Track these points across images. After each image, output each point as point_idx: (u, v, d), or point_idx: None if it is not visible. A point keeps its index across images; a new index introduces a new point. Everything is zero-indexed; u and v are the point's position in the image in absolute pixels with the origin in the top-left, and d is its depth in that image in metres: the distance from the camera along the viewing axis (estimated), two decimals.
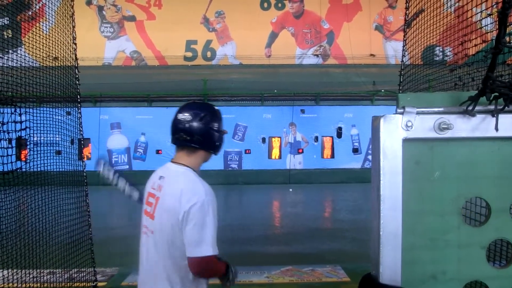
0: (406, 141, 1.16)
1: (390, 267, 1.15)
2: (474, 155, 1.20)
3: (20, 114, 2.98)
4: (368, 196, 1.22)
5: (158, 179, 1.83)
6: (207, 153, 1.85)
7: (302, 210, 10.71)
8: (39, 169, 3.55)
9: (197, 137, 1.77)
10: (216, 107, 1.92)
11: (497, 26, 1.03)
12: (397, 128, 1.15)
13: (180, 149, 1.83)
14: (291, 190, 12.33)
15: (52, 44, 3.82)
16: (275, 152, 15.71)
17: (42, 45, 3.67)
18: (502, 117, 1.14)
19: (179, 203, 1.65)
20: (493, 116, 1.14)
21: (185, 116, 1.78)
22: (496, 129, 1.14)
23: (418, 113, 1.15)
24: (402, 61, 4.12)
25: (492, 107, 1.13)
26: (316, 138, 15.76)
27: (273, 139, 15.77)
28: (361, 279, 1.25)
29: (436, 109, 1.15)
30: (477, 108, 1.13)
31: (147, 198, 1.87)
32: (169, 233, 1.69)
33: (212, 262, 1.67)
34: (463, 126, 1.16)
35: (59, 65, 3.99)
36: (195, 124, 1.77)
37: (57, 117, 3.87)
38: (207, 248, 1.62)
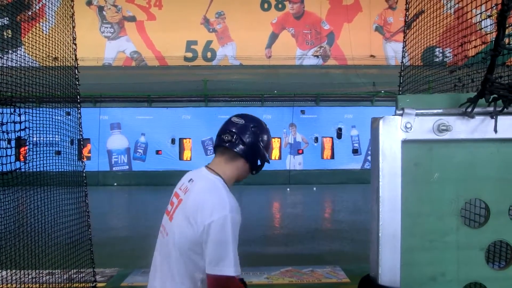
0: (405, 142, 1.16)
1: (389, 268, 1.15)
2: (473, 156, 1.19)
3: (19, 115, 2.98)
4: (368, 197, 1.22)
5: (188, 181, 1.74)
6: (246, 166, 1.77)
7: (301, 211, 10.71)
8: (38, 170, 3.54)
9: (243, 143, 1.71)
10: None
11: (496, 28, 1.03)
12: (396, 130, 1.15)
13: (219, 154, 1.76)
14: (288, 190, 12.34)
15: (52, 44, 3.82)
16: (275, 153, 15.72)
17: (42, 46, 3.67)
18: (501, 119, 1.14)
19: (201, 214, 1.57)
20: (492, 117, 1.14)
21: (240, 120, 1.76)
22: (495, 130, 1.14)
23: (417, 114, 1.15)
24: (402, 62, 4.12)
25: (491, 108, 1.13)
26: (316, 139, 15.76)
27: (273, 139, 15.78)
28: (360, 280, 1.25)
29: (435, 111, 1.15)
30: (476, 109, 1.13)
31: (172, 197, 1.79)
32: (183, 240, 1.61)
33: (233, 283, 1.56)
34: (462, 128, 1.16)
35: (59, 65, 3.99)
36: (246, 130, 1.73)
37: (56, 118, 3.87)
38: (229, 267, 1.53)
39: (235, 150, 1.71)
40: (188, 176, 1.80)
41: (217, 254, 1.53)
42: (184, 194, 1.70)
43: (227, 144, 1.72)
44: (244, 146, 1.71)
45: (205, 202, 1.59)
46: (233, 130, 1.72)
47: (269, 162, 1.85)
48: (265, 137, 1.78)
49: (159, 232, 1.81)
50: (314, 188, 12.26)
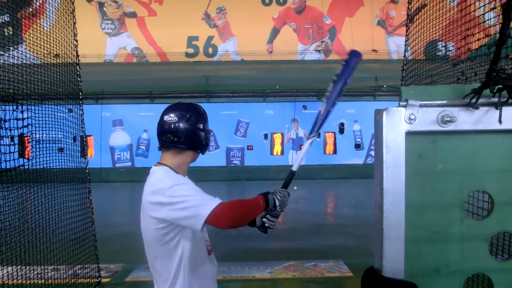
0: (409, 134, 1.15)
1: (393, 260, 1.15)
2: (477, 148, 1.19)
3: (22, 112, 2.99)
4: (370, 192, 1.22)
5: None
6: (194, 152, 1.85)
7: (304, 206, 10.71)
8: (41, 167, 3.55)
9: (184, 137, 1.78)
10: (202, 107, 1.91)
11: (500, 20, 1.02)
12: (400, 121, 1.15)
13: (165, 150, 1.83)
14: (295, 188, 12.35)
15: (53, 41, 3.82)
16: (277, 148, 15.72)
17: (43, 42, 3.66)
18: (506, 110, 1.13)
19: (148, 202, 1.71)
20: (496, 108, 1.13)
21: (171, 117, 1.80)
22: (500, 121, 1.13)
23: (421, 106, 1.14)
24: (405, 56, 4.10)
25: (495, 99, 1.12)
26: (319, 134, 15.71)
27: (275, 135, 15.77)
28: (364, 272, 1.25)
29: (439, 102, 1.15)
30: (480, 100, 1.12)
31: None
32: (146, 234, 1.76)
33: (230, 206, 1.59)
34: (466, 119, 1.15)
35: (60, 62, 3.99)
36: (181, 124, 1.78)
37: (59, 114, 3.87)
38: (202, 209, 1.57)
39: (180, 147, 1.79)
40: None
41: (186, 213, 1.60)
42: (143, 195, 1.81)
43: (171, 144, 1.80)
44: (186, 139, 1.79)
45: (149, 191, 1.73)
46: (170, 129, 1.78)
47: (212, 132, 1.95)
48: (201, 120, 1.84)
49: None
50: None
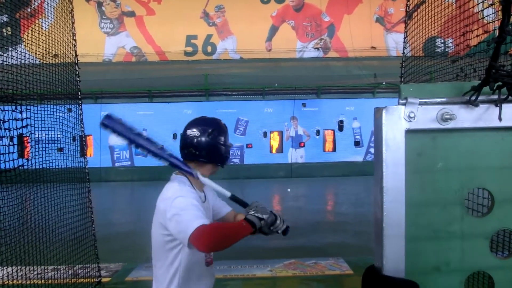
0: (408, 132, 1.15)
1: (394, 258, 1.15)
2: (477, 145, 1.19)
3: (21, 112, 2.99)
4: (370, 189, 1.22)
5: None
6: (214, 166, 1.92)
7: (304, 204, 10.72)
8: (41, 166, 3.55)
9: (206, 152, 1.85)
10: (222, 121, 1.97)
11: (499, 16, 1.02)
12: (399, 119, 1.15)
13: (188, 161, 1.88)
14: (289, 190, 12.31)
15: (52, 41, 3.81)
16: (277, 146, 15.73)
17: (42, 42, 3.65)
18: (506, 107, 1.13)
19: (157, 207, 1.77)
20: (496, 106, 1.13)
21: (194, 132, 1.87)
22: (500, 119, 1.13)
23: (420, 103, 1.14)
24: (404, 53, 4.09)
25: (495, 96, 1.12)
26: (318, 132, 15.74)
27: (274, 133, 15.77)
28: (365, 271, 1.25)
29: (439, 100, 1.14)
30: (480, 98, 1.12)
31: None
32: (153, 236, 1.81)
33: (206, 230, 1.54)
34: (466, 117, 1.15)
35: (59, 62, 3.98)
36: (203, 139, 1.85)
37: (58, 114, 3.87)
38: (188, 227, 1.56)
39: (202, 160, 1.86)
40: None
41: (178, 227, 1.63)
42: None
43: (192, 158, 1.86)
44: (207, 153, 1.86)
45: (161, 193, 1.80)
46: (193, 143, 1.85)
47: (232, 146, 2.02)
48: (222, 135, 1.90)
49: None
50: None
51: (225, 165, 1.96)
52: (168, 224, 1.68)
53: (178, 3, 17.28)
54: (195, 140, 1.85)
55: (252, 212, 1.71)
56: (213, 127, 1.88)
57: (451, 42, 3.38)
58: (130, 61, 17.48)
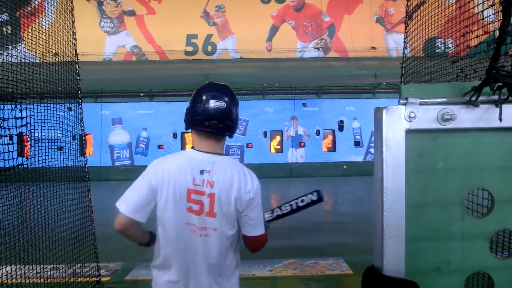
0: (409, 132, 1.15)
1: (394, 259, 1.15)
2: (477, 146, 1.19)
3: (20, 110, 2.98)
4: (370, 189, 1.22)
5: (200, 174, 1.71)
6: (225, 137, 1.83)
7: None
8: (40, 165, 3.55)
9: (233, 125, 1.79)
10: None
11: (499, 17, 1.02)
12: (400, 119, 1.15)
13: (206, 137, 1.74)
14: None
15: (52, 39, 3.80)
16: (277, 146, 15.73)
17: (42, 41, 3.65)
18: (506, 107, 1.13)
19: (240, 193, 1.70)
20: (496, 106, 1.12)
21: (221, 103, 1.73)
22: (500, 119, 1.13)
23: (421, 104, 1.14)
24: (404, 53, 4.09)
25: (495, 97, 1.12)
26: (318, 132, 15.74)
27: (275, 133, 15.78)
28: (365, 271, 1.25)
29: (439, 100, 1.14)
30: (480, 98, 1.12)
31: (189, 195, 1.71)
32: (229, 226, 1.74)
33: (265, 238, 1.89)
34: (467, 117, 1.15)
35: (59, 60, 3.98)
36: (232, 111, 1.76)
37: (58, 113, 3.86)
38: (263, 227, 1.85)
39: (229, 133, 1.79)
40: (194, 169, 1.73)
41: (260, 217, 1.81)
42: (212, 187, 1.69)
43: (226, 133, 1.77)
44: (233, 126, 1.80)
45: (240, 182, 1.73)
46: (227, 116, 1.73)
47: None
48: (238, 106, 1.85)
49: (186, 232, 1.72)
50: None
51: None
52: (249, 212, 1.73)
53: (178, 2, 17.28)
54: (228, 112, 1.75)
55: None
56: (235, 97, 1.82)
57: (451, 43, 3.38)
58: (130, 60, 17.48)
